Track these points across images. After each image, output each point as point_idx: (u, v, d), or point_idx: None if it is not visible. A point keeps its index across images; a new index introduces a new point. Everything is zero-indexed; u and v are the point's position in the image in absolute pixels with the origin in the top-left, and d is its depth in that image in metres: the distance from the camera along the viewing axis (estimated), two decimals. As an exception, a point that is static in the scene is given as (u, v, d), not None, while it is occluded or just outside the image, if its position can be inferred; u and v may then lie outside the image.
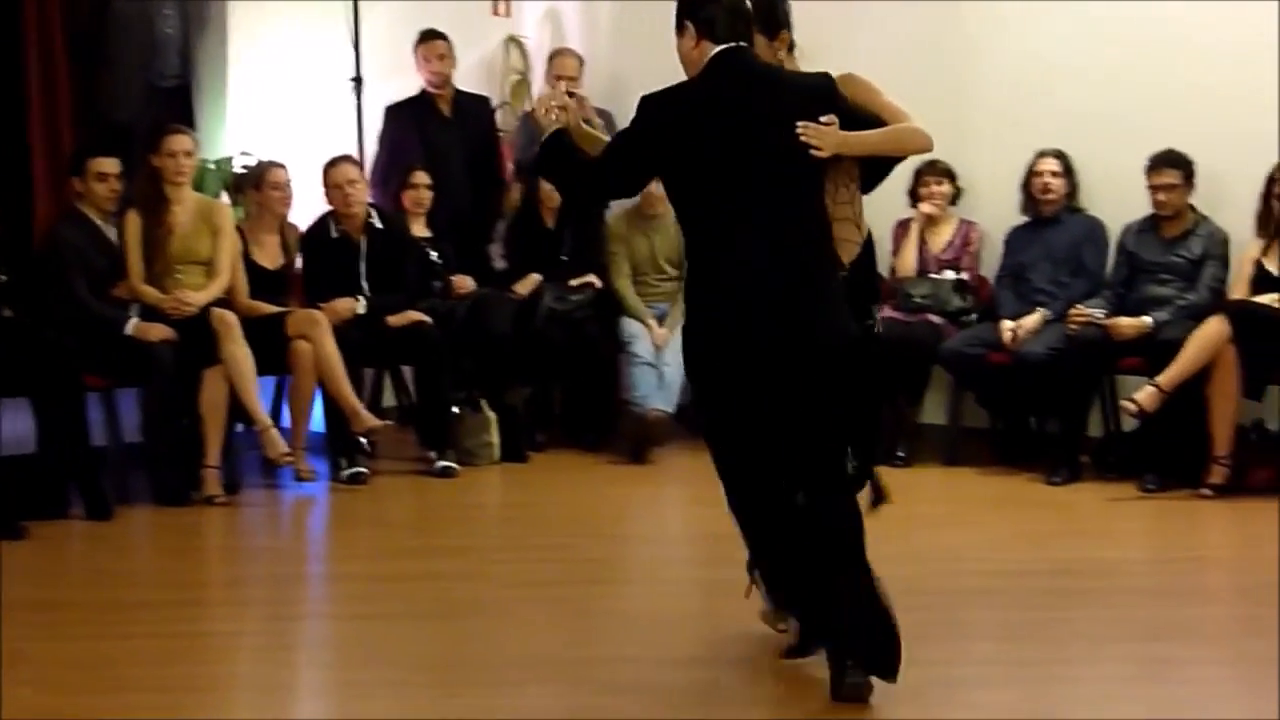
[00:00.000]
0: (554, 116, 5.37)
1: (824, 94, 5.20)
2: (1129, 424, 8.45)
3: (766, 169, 5.06)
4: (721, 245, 5.07)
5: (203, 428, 8.04)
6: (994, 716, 4.98)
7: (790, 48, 5.46)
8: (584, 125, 5.49)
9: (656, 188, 5.90)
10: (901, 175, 9.18)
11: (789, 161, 5.08)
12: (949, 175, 9.18)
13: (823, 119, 5.11)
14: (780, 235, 5.04)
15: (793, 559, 5.19)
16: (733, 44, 5.15)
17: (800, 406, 5.04)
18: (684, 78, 5.25)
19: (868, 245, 5.44)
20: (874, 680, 5.00)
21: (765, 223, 5.03)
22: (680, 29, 5.22)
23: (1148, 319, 8.35)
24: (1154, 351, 8.23)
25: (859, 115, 5.29)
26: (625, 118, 9.03)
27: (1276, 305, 8.11)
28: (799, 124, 5.07)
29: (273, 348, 8.27)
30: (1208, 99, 8.71)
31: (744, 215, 5.06)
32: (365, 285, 8.81)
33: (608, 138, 5.47)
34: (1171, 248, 8.56)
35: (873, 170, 5.49)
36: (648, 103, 5.18)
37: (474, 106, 9.94)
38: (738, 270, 5.02)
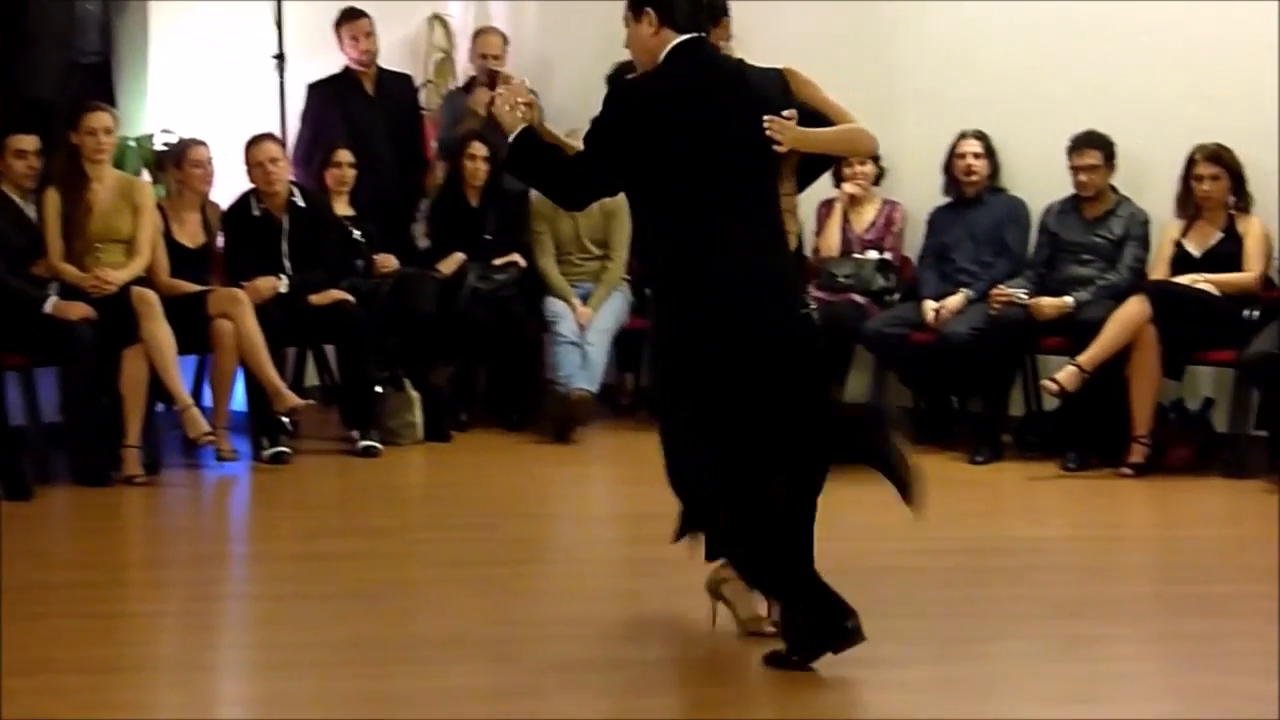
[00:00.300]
0: (519, 114, 5.27)
1: (780, 88, 5.25)
2: (1050, 403, 8.51)
3: (738, 163, 5.09)
4: (706, 241, 5.06)
5: (123, 407, 7.98)
6: (913, 695, 5.01)
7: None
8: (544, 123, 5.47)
9: None
10: (825, 156, 9.22)
11: (756, 155, 5.13)
12: (872, 155, 9.19)
13: (784, 114, 5.14)
14: (759, 228, 5.10)
15: (773, 543, 5.20)
16: (694, 34, 5.14)
17: (790, 391, 5.11)
18: (611, 60, 5.26)
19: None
20: (797, 659, 5.05)
21: (745, 216, 5.08)
22: (638, 14, 5.16)
23: (1069, 299, 8.40)
24: (1075, 331, 8.28)
25: (804, 110, 5.32)
26: (552, 100, 9.04)
27: (1195, 285, 8.18)
28: (766, 118, 5.10)
29: (194, 326, 8.22)
30: (1129, 81, 8.77)
31: (726, 209, 5.08)
32: (287, 264, 8.76)
33: (567, 137, 5.44)
34: (1093, 228, 8.61)
35: (809, 168, 5.49)
36: (620, 95, 5.17)
37: (397, 85, 9.90)
38: (734, 265, 5.04)
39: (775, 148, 5.13)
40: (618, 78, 6.48)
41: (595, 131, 5.17)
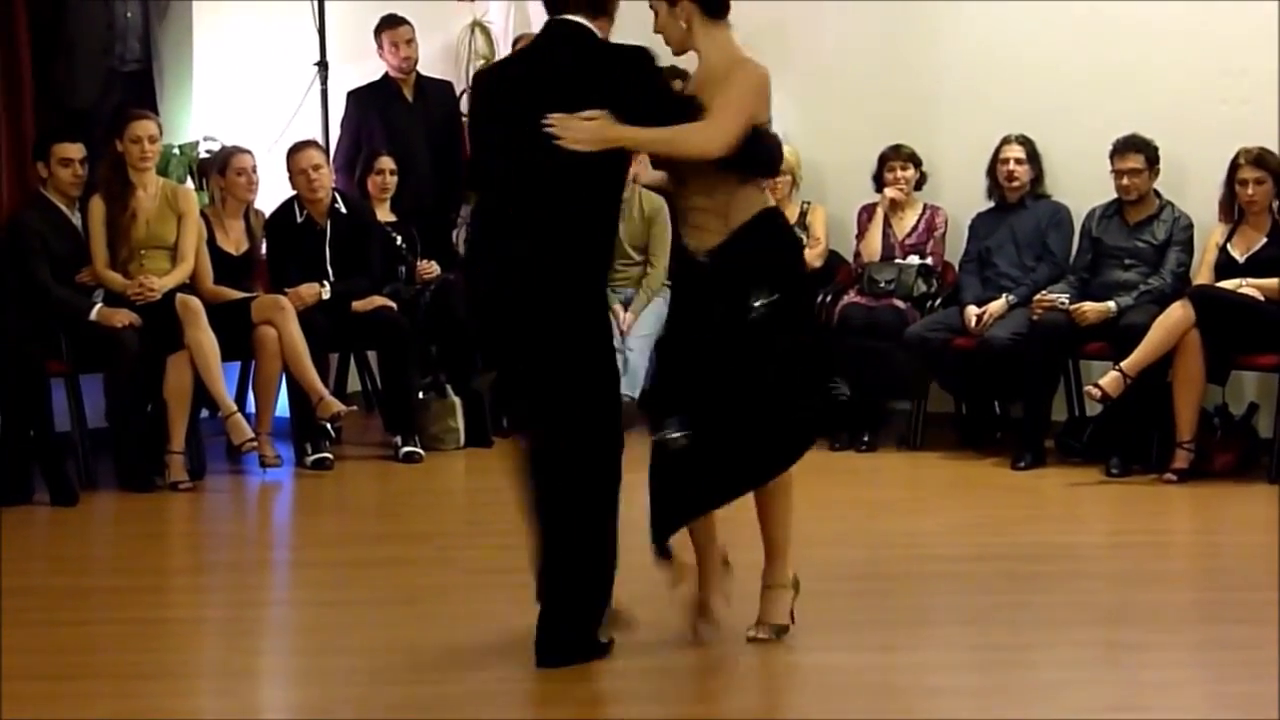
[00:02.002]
0: None
1: (632, 72, 5.12)
2: (1093, 409, 8.48)
3: (530, 158, 5.05)
4: (482, 227, 5.24)
5: (168, 413, 8.02)
6: (955, 701, 5.00)
7: (715, 14, 5.27)
8: None
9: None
10: (866, 161, 9.22)
11: (549, 153, 5.04)
12: (914, 160, 9.19)
13: (587, 113, 5.01)
14: (535, 219, 5.07)
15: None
16: (562, 17, 5.12)
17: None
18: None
19: (753, 230, 5.29)
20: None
21: (524, 207, 5.08)
22: None
23: (1111, 304, 8.37)
24: (1117, 336, 8.26)
25: (685, 101, 5.20)
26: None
27: (1239, 290, 8.14)
28: (550, 116, 5.01)
29: (237, 333, 8.25)
30: (1172, 84, 8.76)
31: (508, 198, 5.13)
32: (330, 270, 8.79)
33: None
34: (1136, 233, 8.58)
35: (743, 158, 5.26)
36: (474, 80, 5.39)
37: (438, 91, 9.91)
38: (490, 252, 5.16)
39: (567, 146, 4.99)
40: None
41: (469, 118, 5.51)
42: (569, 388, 5.14)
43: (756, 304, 5.18)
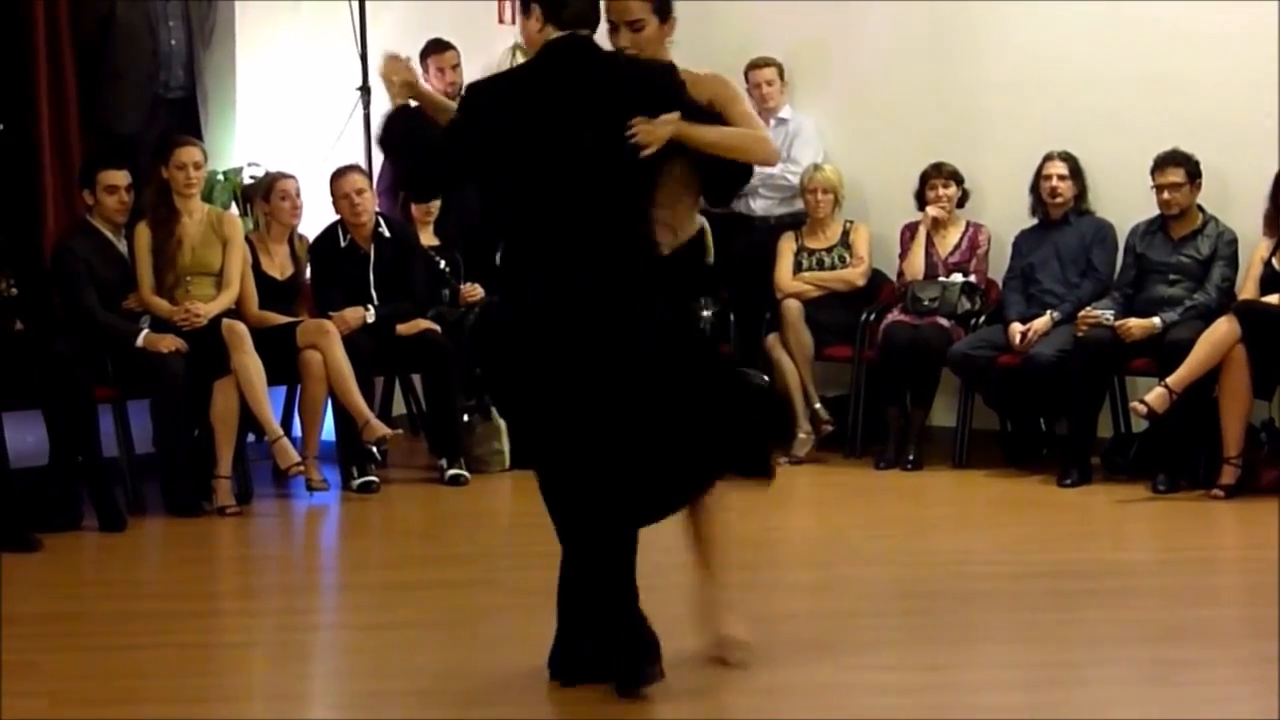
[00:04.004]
0: (395, 88, 5.32)
1: (662, 85, 5.10)
2: (1139, 425, 8.45)
3: (584, 166, 4.98)
4: (528, 246, 5.02)
5: (214, 438, 8.05)
6: (1003, 719, 4.98)
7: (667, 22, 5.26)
8: (439, 99, 5.40)
9: None
10: (908, 179, 9.22)
11: (609, 159, 5.00)
12: (956, 178, 9.18)
13: (665, 116, 5.01)
14: (598, 236, 4.99)
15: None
16: (573, 31, 5.01)
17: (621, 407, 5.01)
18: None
19: (694, 246, 5.36)
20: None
21: (582, 223, 4.98)
22: (526, 9, 5.09)
23: (1156, 320, 8.34)
24: (1163, 352, 8.23)
25: (708, 115, 5.20)
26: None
27: (1286, 305, 8.11)
28: (634, 121, 4.97)
29: (283, 358, 8.29)
30: (1215, 98, 8.73)
31: (561, 214, 4.99)
32: (374, 294, 8.82)
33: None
34: (1180, 248, 8.55)
35: (719, 178, 5.34)
36: (471, 92, 5.11)
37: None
38: (551, 274, 4.99)
39: (643, 152, 4.96)
40: None
41: (448, 127, 5.16)
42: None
43: (705, 314, 5.23)
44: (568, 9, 5.00)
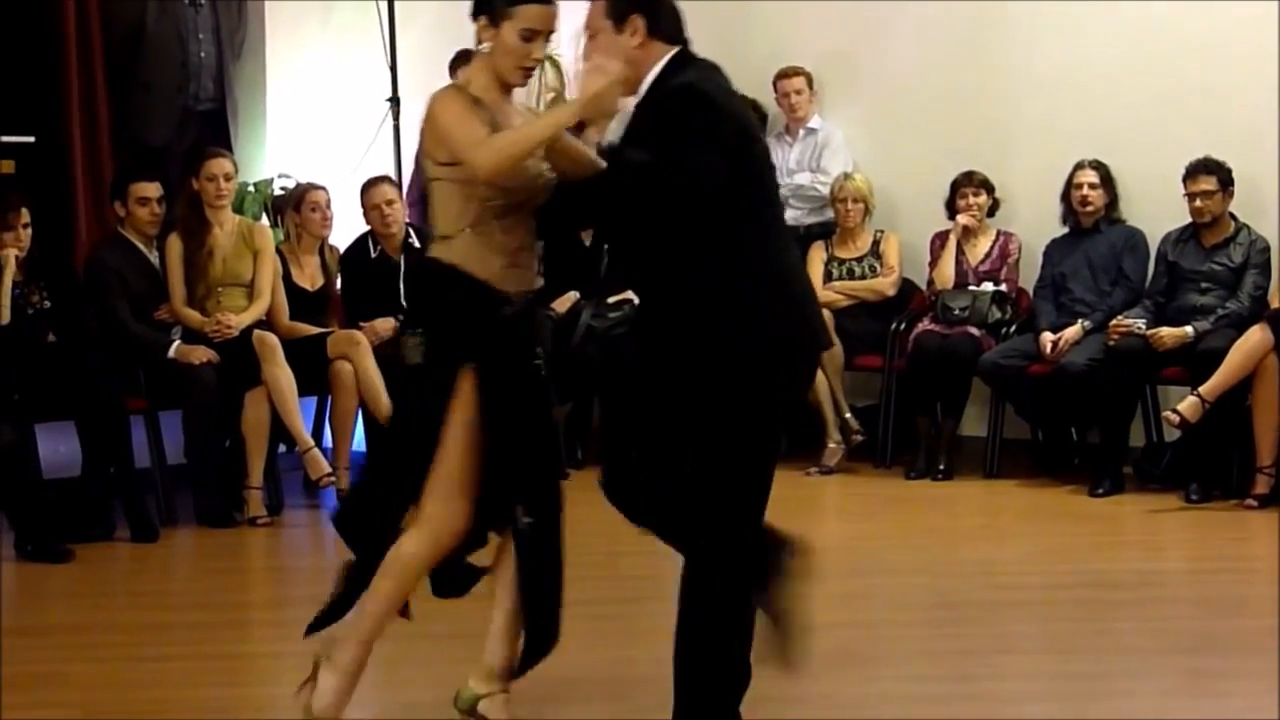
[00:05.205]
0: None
1: None
2: (1171, 434, 8.43)
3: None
4: (769, 258, 4.84)
5: (245, 449, 8.08)
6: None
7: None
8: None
9: None
10: (939, 188, 9.21)
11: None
12: (986, 187, 9.17)
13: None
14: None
15: None
16: (684, 46, 4.63)
17: None
18: None
19: None
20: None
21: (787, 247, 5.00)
22: (620, 22, 4.60)
23: (1189, 329, 8.31)
24: (1195, 361, 8.20)
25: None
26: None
27: (1318, 313, 8.08)
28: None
29: (314, 368, 8.31)
30: (1248, 106, 8.70)
31: (780, 227, 5.00)
32: (404, 304, 8.83)
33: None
34: (1212, 256, 8.53)
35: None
36: (715, 100, 4.51)
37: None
38: (794, 277, 4.97)
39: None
40: None
41: (689, 138, 4.48)
42: None
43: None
44: (675, 20, 4.60)
